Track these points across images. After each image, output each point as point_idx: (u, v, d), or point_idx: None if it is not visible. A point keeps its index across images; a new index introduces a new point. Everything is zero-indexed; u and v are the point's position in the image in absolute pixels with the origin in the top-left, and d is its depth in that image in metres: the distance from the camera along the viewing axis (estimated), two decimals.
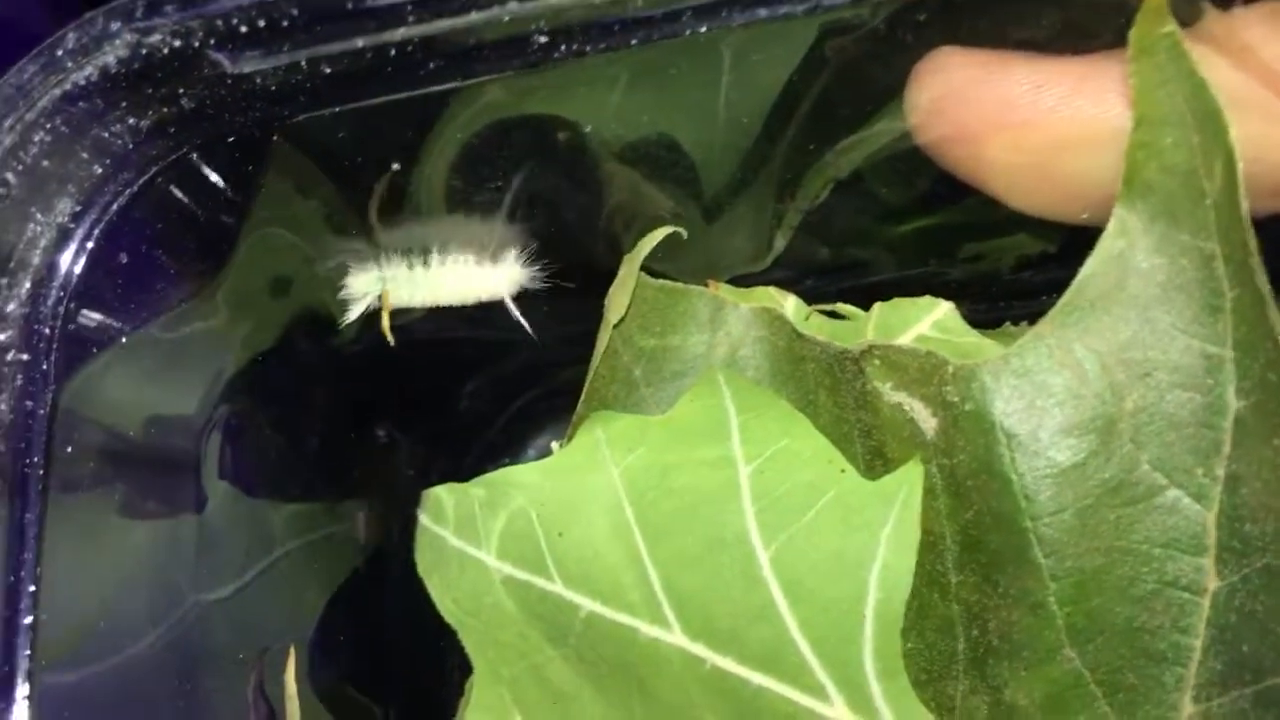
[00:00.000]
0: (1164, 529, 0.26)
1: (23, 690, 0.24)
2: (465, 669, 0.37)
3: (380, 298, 0.33)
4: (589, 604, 0.31)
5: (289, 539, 0.33)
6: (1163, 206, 0.25)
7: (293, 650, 0.31)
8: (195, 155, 0.26)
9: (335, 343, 0.33)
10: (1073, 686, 0.27)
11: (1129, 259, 0.26)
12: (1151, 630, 0.26)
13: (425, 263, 0.33)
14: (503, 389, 0.39)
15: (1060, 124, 0.27)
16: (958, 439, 0.28)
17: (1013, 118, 0.28)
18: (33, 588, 0.25)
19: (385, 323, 0.33)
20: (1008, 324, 0.34)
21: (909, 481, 0.28)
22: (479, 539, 0.33)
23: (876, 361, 0.29)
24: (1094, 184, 0.28)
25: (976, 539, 0.28)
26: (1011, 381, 0.27)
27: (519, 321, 0.34)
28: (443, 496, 0.33)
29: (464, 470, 0.40)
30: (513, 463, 0.41)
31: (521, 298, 0.34)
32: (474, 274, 0.33)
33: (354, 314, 0.33)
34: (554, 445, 0.34)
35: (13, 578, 0.24)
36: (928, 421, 0.28)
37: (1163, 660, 0.27)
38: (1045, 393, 0.27)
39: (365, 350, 0.33)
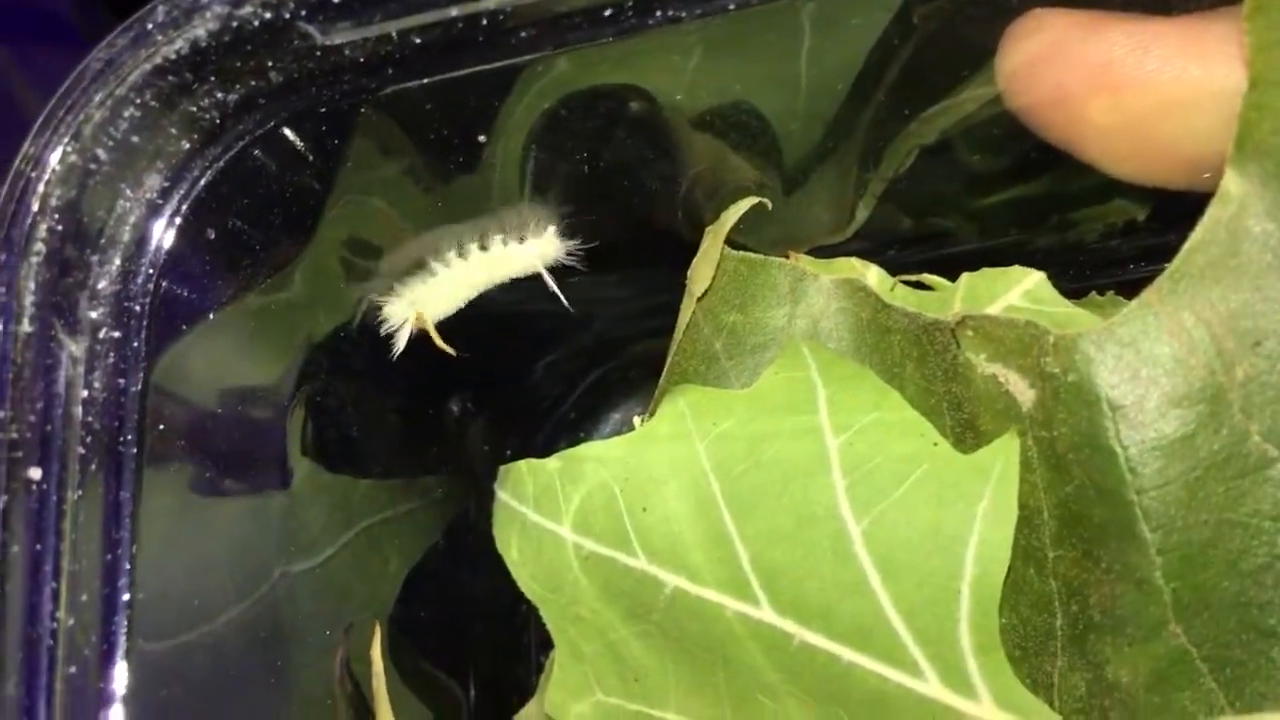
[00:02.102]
0: (1275, 501, 0.25)
1: (122, 666, 0.24)
2: (544, 645, 0.37)
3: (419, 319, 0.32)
4: (674, 580, 0.31)
5: (369, 514, 0.33)
6: (1277, 170, 0.24)
7: (378, 625, 0.31)
8: (283, 128, 0.26)
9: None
10: (1178, 663, 0.26)
11: (1240, 225, 0.25)
12: (1261, 605, 0.26)
13: (461, 254, 0.32)
14: (576, 364, 0.39)
15: (1164, 86, 0.27)
16: (1058, 411, 0.27)
17: (1113, 80, 0.27)
18: (129, 565, 0.24)
19: (436, 341, 0.33)
20: (1093, 294, 0.34)
21: (1006, 454, 0.28)
22: (559, 514, 0.32)
23: (970, 332, 0.28)
24: (1197, 148, 0.27)
25: (1077, 513, 0.27)
26: (1116, 352, 0.26)
27: (554, 293, 0.33)
28: (522, 472, 0.33)
29: (536, 446, 0.40)
30: (586, 438, 0.41)
31: (592, 273, 0.34)
32: (509, 254, 0.33)
33: (401, 342, 0.33)
34: (636, 420, 0.34)
35: (110, 556, 0.24)
36: (1025, 394, 0.28)
37: (1272, 636, 0.26)
38: (1152, 363, 0.26)
39: (442, 325, 0.32)
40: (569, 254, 0.33)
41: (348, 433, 0.32)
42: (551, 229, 0.33)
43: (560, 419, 0.40)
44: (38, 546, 0.23)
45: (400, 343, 0.32)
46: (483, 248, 0.32)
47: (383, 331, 0.32)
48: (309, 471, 0.31)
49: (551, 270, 0.33)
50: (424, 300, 0.32)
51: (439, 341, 0.33)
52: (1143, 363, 0.26)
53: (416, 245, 0.32)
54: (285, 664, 0.30)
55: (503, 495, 0.34)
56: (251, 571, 0.29)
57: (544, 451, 0.33)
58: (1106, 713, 0.28)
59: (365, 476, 0.32)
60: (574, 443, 0.34)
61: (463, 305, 0.33)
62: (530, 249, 0.33)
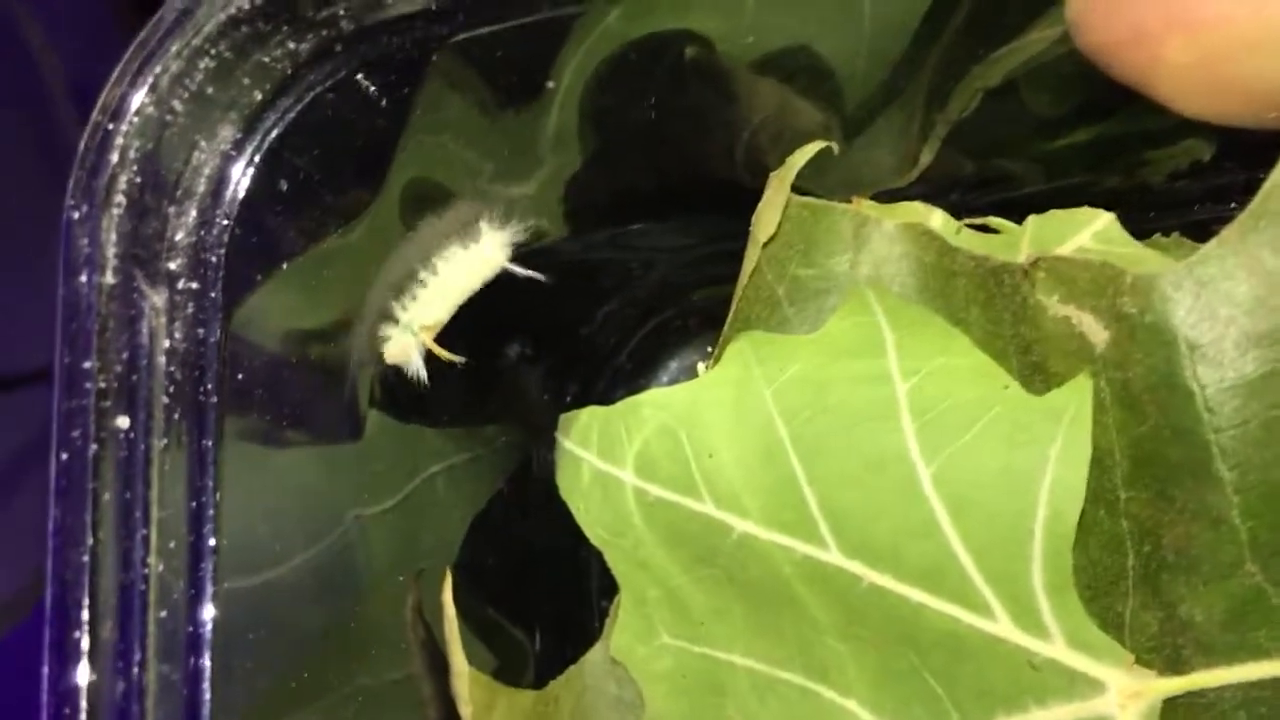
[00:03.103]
0: None
1: (210, 609, 0.24)
2: (606, 591, 0.38)
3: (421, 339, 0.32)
4: (741, 524, 0.31)
5: (435, 462, 0.33)
6: None
7: (449, 571, 0.32)
8: (355, 77, 0.26)
9: (477, 264, 0.33)
10: (1254, 601, 0.27)
11: None
12: None
13: (428, 275, 0.32)
14: (635, 312, 0.39)
15: (1241, 23, 0.26)
16: (1134, 351, 0.27)
17: (1190, 17, 0.27)
18: (212, 511, 0.25)
19: (446, 356, 0.33)
20: (1158, 235, 0.33)
21: (1079, 395, 0.28)
22: (624, 460, 0.32)
23: (1043, 274, 0.28)
24: (1272, 86, 0.27)
25: (1151, 453, 0.27)
26: (1194, 291, 0.26)
27: (532, 276, 0.33)
28: (585, 418, 0.33)
29: (595, 394, 0.40)
30: (645, 386, 0.41)
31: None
32: (466, 261, 0.32)
33: (421, 370, 0.32)
34: (700, 366, 0.34)
35: (195, 503, 0.25)
36: (1099, 334, 0.28)
37: None
38: (1231, 302, 0.26)
39: (506, 275, 0.32)
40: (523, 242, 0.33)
41: (415, 382, 0.32)
42: (484, 224, 0.32)
43: (619, 367, 0.40)
44: (127, 494, 0.24)
45: (420, 370, 0.32)
46: (446, 259, 0.32)
47: (391, 365, 0.32)
48: (377, 420, 0.31)
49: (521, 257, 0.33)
50: (421, 314, 0.32)
51: (444, 355, 0.33)
52: (1221, 302, 0.26)
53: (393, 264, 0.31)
54: (361, 608, 0.30)
55: (565, 442, 0.34)
56: (326, 518, 0.29)
57: (603, 400, 0.33)
58: (1179, 651, 0.28)
59: (430, 425, 0.33)
60: (633, 391, 0.34)
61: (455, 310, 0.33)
62: (482, 250, 0.32)
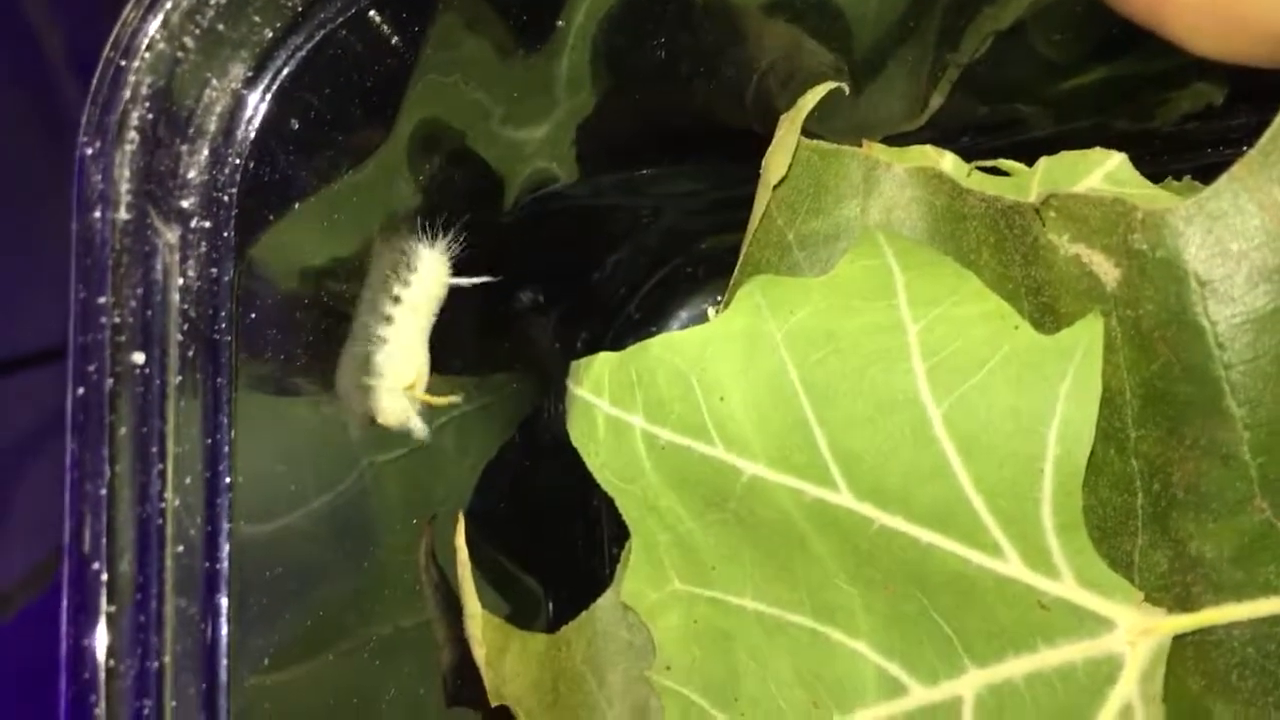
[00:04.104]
0: None
1: (226, 547, 0.25)
2: (616, 538, 0.38)
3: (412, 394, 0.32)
4: (752, 467, 0.31)
5: (447, 409, 0.33)
6: None
7: (461, 515, 0.32)
8: (367, 14, 0.26)
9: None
10: (1263, 537, 0.27)
11: None
12: None
13: (385, 327, 0.32)
14: (644, 260, 0.39)
15: None
16: (1144, 289, 0.27)
17: None
18: (227, 449, 0.25)
19: (442, 403, 0.32)
20: (1169, 179, 0.33)
21: (1089, 334, 0.28)
22: (635, 405, 0.33)
23: (1054, 213, 0.28)
24: None
25: (1161, 391, 0.27)
26: (1205, 226, 0.26)
27: (480, 281, 0.33)
28: (596, 365, 0.33)
29: (605, 343, 0.40)
30: (655, 335, 0.41)
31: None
32: (415, 294, 0.32)
33: (417, 427, 0.32)
34: (710, 310, 0.34)
35: (209, 440, 0.25)
36: (1109, 273, 0.28)
37: None
38: (1242, 237, 0.26)
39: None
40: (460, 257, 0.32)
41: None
42: (428, 247, 0.32)
43: (628, 316, 0.40)
44: (144, 429, 0.24)
45: (420, 428, 0.32)
46: (395, 299, 0.32)
47: (388, 427, 0.32)
48: (399, 248, 0.31)
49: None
50: (397, 372, 0.32)
51: (439, 402, 0.33)
52: (1233, 237, 0.26)
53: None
54: (375, 551, 0.30)
55: (576, 389, 0.34)
56: (340, 460, 0.29)
57: (612, 348, 0.33)
58: (1189, 588, 0.28)
59: (443, 371, 0.33)
60: (642, 339, 0.34)
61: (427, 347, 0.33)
62: (425, 281, 0.32)
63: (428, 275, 0.32)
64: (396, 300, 0.32)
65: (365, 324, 0.31)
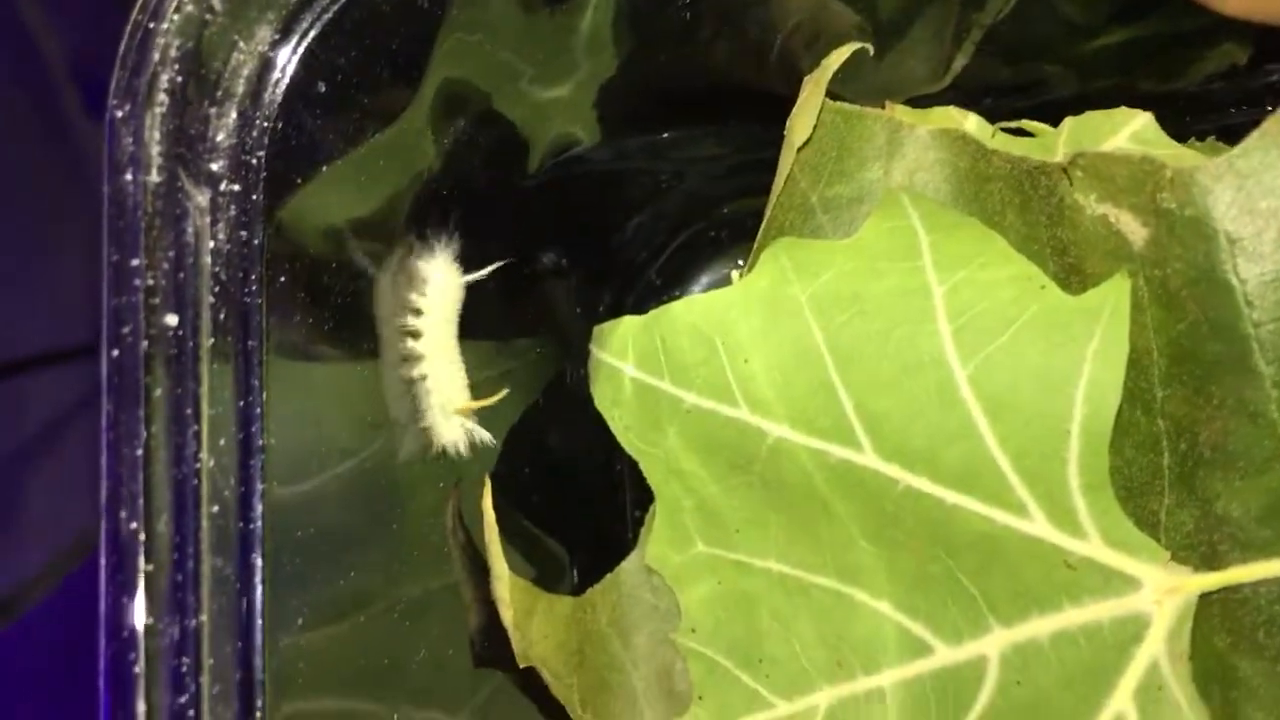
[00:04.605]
0: None
1: (259, 507, 0.25)
2: (639, 502, 0.38)
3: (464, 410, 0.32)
4: (776, 429, 0.31)
5: (471, 373, 0.33)
6: None
7: (488, 479, 0.32)
8: None
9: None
10: None
11: None
12: None
13: (417, 345, 0.32)
14: (666, 224, 0.39)
15: None
16: (1173, 248, 0.27)
17: None
18: (259, 411, 0.25)
19: (484, 404, 0.33)
20: (1193, 140, 0.33)
21: (1117, 293, 0.28)
22: (659, 369, 0.33)
23: (1081, 172, 0.28)
24: None
25: (1189, 350, 0.27)
26: (1235, 184, 0.26)
27: (490, 272, 0.33)
28: (620, 328, 0.33)
29: (626, 308, 0.40)
30: (679, 297, 0.41)
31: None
32: (435, 303, 0.32)
33: (480, 438, 0.33)
34: (734, 274, 0.34)
35: (242, 403, 0.25)
36: (1137, 232, 0.28)
37: None
38: (1272, 194, 0.26)
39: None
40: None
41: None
42: (441, 251, 0.32)
43: (649, 281, 0.40)
44: (178, 390, 0.24)
45: (482, 436, 0.33)
46: (417, 323, 0.32)
47: (442, 452, 0.32)
48: (412, 264, 0.31)
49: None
50: (444, 394, 0.32)
51: (484, 403, 0.33)
52: (1263, 194, 0.26)
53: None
54: (403, 513, 0.30)
55: (600, 354, 0.34)
56: (368, 424, 0.30)
57: (634, 312, 0.33)
58: (1215, 547, 0.28)
59: (466, 338, 0.33)
60: (664, 303, 0.34)
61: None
62: (440, 296, 0.32)
63: (441, 290, 0.32)
64: (419, 317, 0.32)
65: (393, 347, 0.31)
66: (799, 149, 0.32)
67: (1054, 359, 0.28)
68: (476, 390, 0.33)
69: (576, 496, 0.39)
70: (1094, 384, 0.28)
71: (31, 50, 0.51)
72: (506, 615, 0.33)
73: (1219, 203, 0.26)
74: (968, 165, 0.31)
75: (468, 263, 0.32)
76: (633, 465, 0.34)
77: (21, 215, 0.50)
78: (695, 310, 0.32)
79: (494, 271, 0.33)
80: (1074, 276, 0.29)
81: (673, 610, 0.34)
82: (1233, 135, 0.31)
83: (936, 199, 0.32)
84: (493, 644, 0.32)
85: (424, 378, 0.32)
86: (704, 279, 0.40)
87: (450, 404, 0.32)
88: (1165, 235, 0.27)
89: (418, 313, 0.32)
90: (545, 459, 0.37)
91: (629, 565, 0.34)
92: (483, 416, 0.33)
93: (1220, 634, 0.28)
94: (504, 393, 0.33)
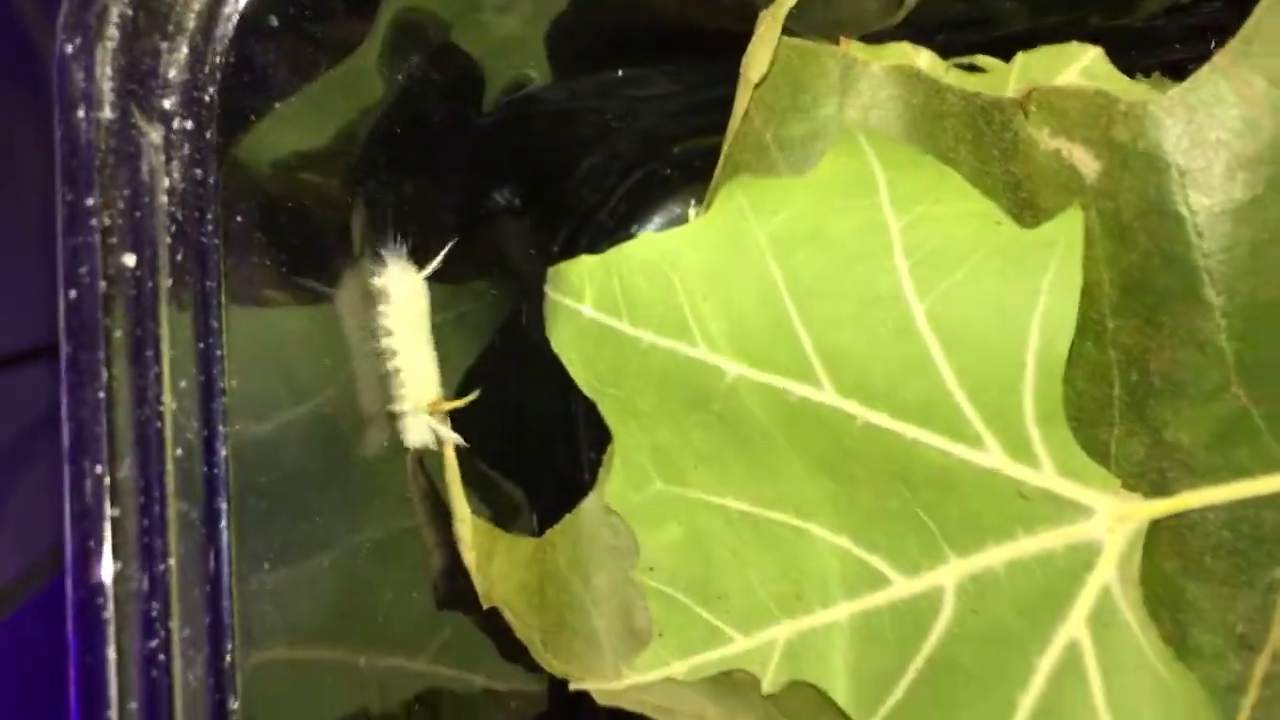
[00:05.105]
0: None
1: (223, 450, 0.24)
2: (594, 443, 0.38)
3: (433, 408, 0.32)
4: (735, 368, 0.31)
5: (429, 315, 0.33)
6: None
7: (448, 421, 0.32)
8: None
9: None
10: (1238, 422, 0.28)
11: None
12: None
13: (391, 347, 0.32)
14: (617, 165, 0.39)
15: None
16: (1125, 180, 0.27)
17: None
18: (219, 353, 0.25)
19: (457, 404, 0.33)
20: (1138, 75, 0.34)
21: (1070, 227, 0.28)
22: (617, 309, 0.33)
23: (1035, 107, 0.28)
24: None
25: (1140, 281, 0.28)
26: (1186, 116, 0.26)
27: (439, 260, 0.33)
28: (576, 269, 0.33)
29: (579, 249, 0.40)
30: (632, 237, 0.41)
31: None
32: (400, 307, 0.32)
33: (446, 437, 0.33)
34: (691, 212, 0.34)
35: (202, 345, 0.25)
36: (1089, 166, 0.28)
37: None
38: (1222, 126, 0.26)
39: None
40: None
41: (405, 231, 0.32)
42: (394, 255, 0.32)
43: (601, 221, 0.40)
44: (138, 331, 0.23)
45: (449, 436, 0.33)
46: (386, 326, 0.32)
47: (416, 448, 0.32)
48: (372, 272, 0.31)
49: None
50: (417, 388, 0.32)
51: (457, 404, 0.33)
52: (1214, 126, 0.26)
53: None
54: (364, 455, 0.30)
55: (555, 295, 0.34)
56: (327, 367, 0.29)
57: (587, 252, 0.33)
58: (1165, 474, 0.29)
59: (425, 279, 0.33)
60: (617, 243, 0.34)
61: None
62: (398, 296, 0.32)
63: (404, 297, 0.32)
64: (386, 316, 0.32)
65: (368, 349, 0.32)
66: (756, 86, 0.31)
67: (1009, 292, 0.28)
68: (440, 346, 0.32)
69: (533, 439, 0.39)
70: (1049, 316, 0.28)
71: (23, 41, 0.50)
72: (469, 557, 0.33)
73: (1170, 136, 0.27)
74: (921, 102, 0.32)
75: (421, 204, 0.31)
76: (588, 406, 0.34)
77: (3, 209, 0.49)
78: (652, 249, 0.32)
79: (451, 211, 0.32)
80: (1027, 211, 0.30)
81: (631, 549, 0.34)
82: (1176, 70, 0.31)
83: (891, 136, 0.32)
84: (455, 587, 0.32)
85: (400, 376, 0.32)
86: (656, 219, 0.40)
87: (422, 399, 0.32)
88: (1117, 168, 0.27)
89: (386, 316, 0.32)
90: (501, 401, 0.36)
91: (587, 505, 0.34)
92: (440, 357, 0.33)
93: (1169, 559, 0.29)
94: (475, 395, 0.33)
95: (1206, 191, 0.26)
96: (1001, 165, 0.30)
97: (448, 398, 0.33)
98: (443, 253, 0.33)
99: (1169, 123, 0.27)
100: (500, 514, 0.35)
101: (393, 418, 0.32)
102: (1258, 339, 0.27)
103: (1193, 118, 0.26)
